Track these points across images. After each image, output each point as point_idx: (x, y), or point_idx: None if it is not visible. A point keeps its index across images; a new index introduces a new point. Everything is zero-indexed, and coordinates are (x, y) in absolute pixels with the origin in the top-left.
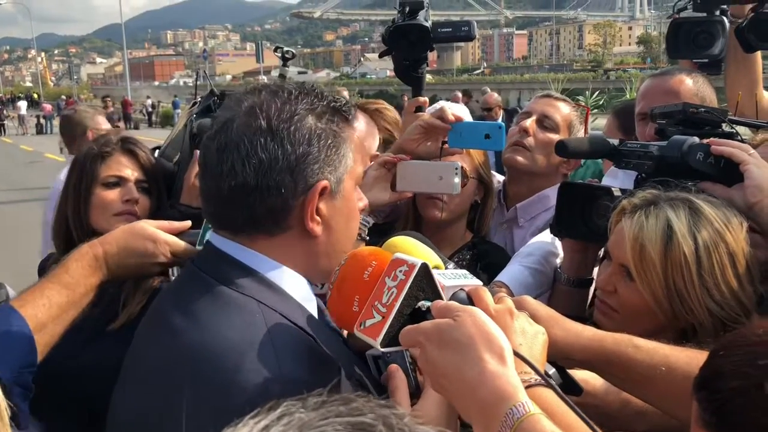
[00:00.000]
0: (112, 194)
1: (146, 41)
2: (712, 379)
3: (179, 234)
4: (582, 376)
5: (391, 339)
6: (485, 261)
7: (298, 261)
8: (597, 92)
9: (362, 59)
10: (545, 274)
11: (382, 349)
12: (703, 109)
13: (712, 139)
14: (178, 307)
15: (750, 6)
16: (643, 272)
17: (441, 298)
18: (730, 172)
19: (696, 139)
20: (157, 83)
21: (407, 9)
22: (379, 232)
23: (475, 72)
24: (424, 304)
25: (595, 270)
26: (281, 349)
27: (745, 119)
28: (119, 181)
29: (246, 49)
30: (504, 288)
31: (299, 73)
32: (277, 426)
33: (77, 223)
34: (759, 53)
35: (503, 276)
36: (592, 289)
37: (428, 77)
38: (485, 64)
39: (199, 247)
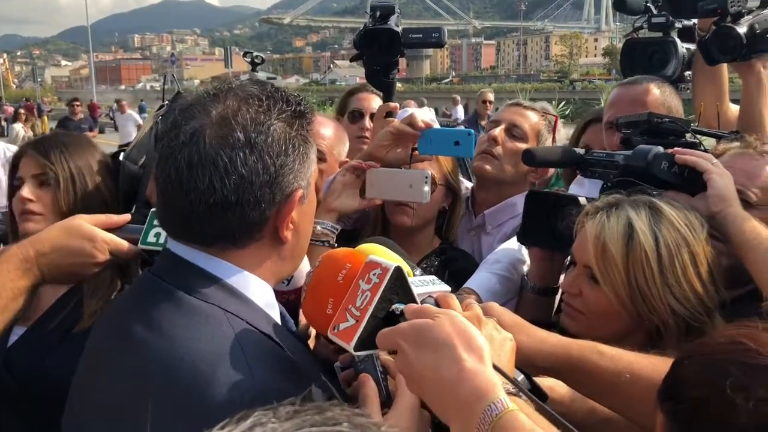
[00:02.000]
0: (18, 196)
1: (113, 44)
2: (675, 388)
3: (119, 229)
4: (548, 383)
5: (365, 343)
6: (453, 267)
7: (266, 268)
8: (563, 102)
9: (332, 66)
10: (513, 281)
11: (355, 353)
12: (667, 119)
13: (676, 148)
14: (140, 319)
15: (713, 20)
16: (606, 271)
17: (415, 302)
18: (693, 181)
19: (660, 149)
20: (123, 87)
21: (378, 14)
22: (346, 238)
23: (443, 81)
24: (397, 307)
25: (562, 278)
26: (253, 359)
27: (708, 129)
28: (21, 182)
29: (215, 54)
30: (472, 295)
31: (268, 78)
32: None
33: (10, 228)
34: (725, 66)
35: (471, 283)
36: (558, 296)
37: (398, 85)
38: (454, 73)
39: (141, 246)
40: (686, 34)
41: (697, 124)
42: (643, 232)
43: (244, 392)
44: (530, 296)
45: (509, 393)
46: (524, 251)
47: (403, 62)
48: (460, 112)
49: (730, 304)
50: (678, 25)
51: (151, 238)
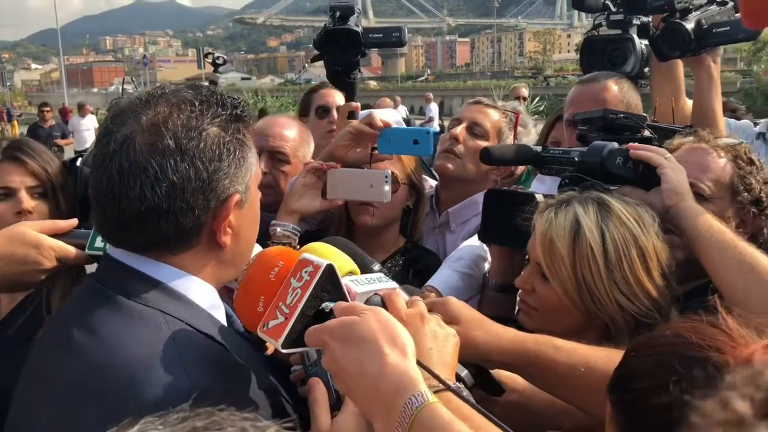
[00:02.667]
0: (2, 207)
1: (84, 47)
2: (623, 380)
3: (66, 234)
4: (510, 374)
5: (294, 340)
6: (418, 266)
7: (206, 272)
8: (537, 98)
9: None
10: (475, 278)
11: (284, 351)
12: (622, 115)
13: (630, 143)
14: (79, 324)
15: (662, 16)
16: (553, 267)
17: (346, 300)
18: (648, 177)
19: (615, 145)
20: (96, 90)
21: (338, 14)
22: (311, 239)
23: (419, 79)
24: (327, 305)
25: None
26: (190, 361)
27: (663, 124)
28: (9, 193)
29: (188, 56)
30: (434, 292)
31: (242, 79)
32: None
33: None
34: (680, 62)
35: (434, 281)
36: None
37: (373, 84)
38: (429, 71)
39: (89, 252)
40: (644, 31)
41: (654, 119)
42: (589, 228)
43: (179, 393)
44: (492, 293)
45: (449, 389)
46: (486, 248)
47: (378, 60)
48: (434, 110)
49: (686, 296)
50: (636, 22)
51: (98, 243)
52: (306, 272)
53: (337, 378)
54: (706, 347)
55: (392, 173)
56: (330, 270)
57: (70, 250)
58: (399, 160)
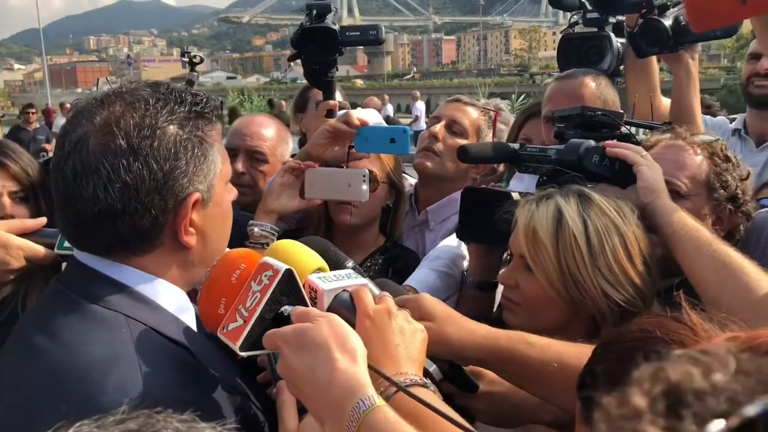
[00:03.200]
0: None
1: (68, 47)
2: (591, 377)
3: (34, 234)
4: None
5: (252, 344)
6: (397, 265)
7: (173, 273)
8: (523, 95)
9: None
10: (453, 277)
11: (242, 354)
12: (600, 112)
13: (607, 141)
14: (40, 327)
15: (638, 15)
16: (537, 257)
17: (305, 304)
18: (624, 174)
19: (592, 143)
20: (80, 90)
21: (315, 12)
22: (291, 238)
23: (405, 77)
24: (286, 309)
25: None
26: (148, 365)
27: (641, 121)
28: None
29: (173, 55)
30: (412, 291)
31: (228, 78)
32: None
33: None
34: (655, 60)
35: (411, 280)
36: (499, 291)
37: (359, 82)
38: (415, 69)
39: (57, 251)
40: (620, 29)
41: (631, 116)
42: (571, 217)
43: (135, 398)
44: (471, 292)
45: (414, 385)
46: (464, 247)
47: (364, 59)
48: (420, 109)
49: (666, 292)
50: (612, 20)
51: (67, 243)
52: (266, 276)
53: (289, 384)
54: (670, 342)
55: (370, 172)
56: (289, 274)
57: (39, 249)
58: (378, 159)
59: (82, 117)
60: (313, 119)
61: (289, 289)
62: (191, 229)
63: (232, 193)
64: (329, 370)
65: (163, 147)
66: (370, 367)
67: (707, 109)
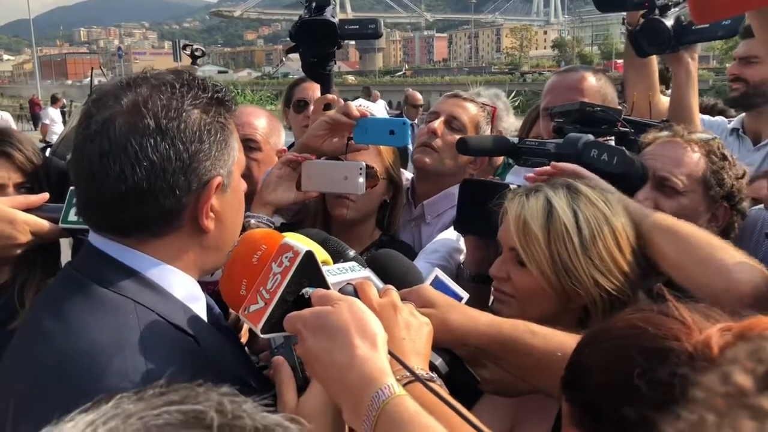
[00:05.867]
0: None
1: (58, 38)
2: (578, 375)
3: (39, 209)
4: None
5: (273, 325)
6: None
7: (188, 258)
8: (513, 93)
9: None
10: (450, 270)
11: (263, 336)
12: (599, 108)
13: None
14: (50, 311)
15: (641, 13)
16: (529, 249)
17: (326, 286)
18: (623, 167)
19: (590, 137)
20: (70, 82)
21: (314, 5)
22: (288, 231)
23: (397, 74)
24: (307, 291)
25: None
26: (152, 352)
27: (638, 119)
28: None
29: (164, 48)
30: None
31: (219, 72)
32: (102, 418)
33: None
34: (654, 59)
35: None
36: None
37: (350, 78)
38: (407, 66)
39: (62, 225)
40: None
41: (630, 113)
42: (562, 208)
43: (137, 384)
44: (467, 285)
45: (421, 379)
46: (461, 241)
47: (356, 55)
48: None
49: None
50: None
51: (72, 217)
52: (286, 257)
53: (308, 365)
54: (663, 336)
55: (370, 168)
56: (309, 256)
57: (44, 223)
58: (379, 154)
59: (108, 99)
60: (293, 117)
61: (310, 270)
62: (212, 214)
63: (244, 185)
64: (348, 356)
65: (189, 129)
66: (389, 353)
67: (720, 113)
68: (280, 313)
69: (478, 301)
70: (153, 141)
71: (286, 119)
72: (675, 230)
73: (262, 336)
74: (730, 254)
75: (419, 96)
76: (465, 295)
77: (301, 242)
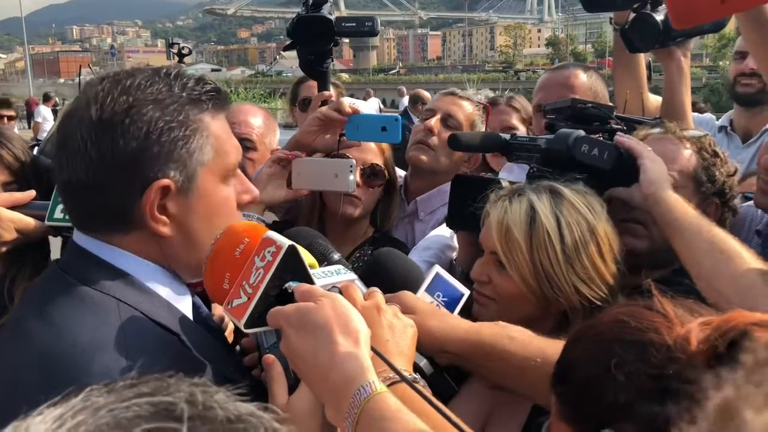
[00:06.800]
0: None
1: (50, 36)
2: (565, 370)
3: (25, 206)
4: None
5: (256, 320)
6: None
7: (162, 259)
8: (507, 91)
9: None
10: (442, 267)
11: (246, 330)
12: (590, 105)
13: (618, 134)
14: (33, 309)
15: (636, 5)
16: (510, 255)
17: (310, 280)
18: (615, 163)
19: (581, 132)
20: (62, 80)
21: (311, 2)
22: (278, 229)
23: (390, 72)
24: (290, 285)
25: None
26: (134, 350)
27: (630, 116)
28: None
29: (157, 46)
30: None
31: (212, 70)
32: (71, 412)
33: None
34: (642, 57)
35: None
36: None
37: (345, 76)
38: (401, 64)
39: (48, 223)
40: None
41: (621, 111)
42: (545, 215)
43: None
44: (460, 281)
45: (402, 377)
46: (454, 238)
47: (349, 53)
48: (406, 103)
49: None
50: None
51: (58, 214)
52: (269, 252)
53: (291, 362)
54: (645, 330)
55: (374, 164)
56: (292, 250)
57: (29, 221)
58: (381, 153)
59: (80, 95)
60: (299, 116)
61: (293, 265)
62: (163, 218)
63: (249, 194)
64: (330, 353)
65: (135, 125)
66: (373, 350)
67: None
68: (263, 307)
69: (471, 297)
70: (94, 135)
71: (293, 117)
72: (705, 234)
73: (245, 331)
74: (754, 272)
75: (427, 94)
76: (466, 292)
77: None
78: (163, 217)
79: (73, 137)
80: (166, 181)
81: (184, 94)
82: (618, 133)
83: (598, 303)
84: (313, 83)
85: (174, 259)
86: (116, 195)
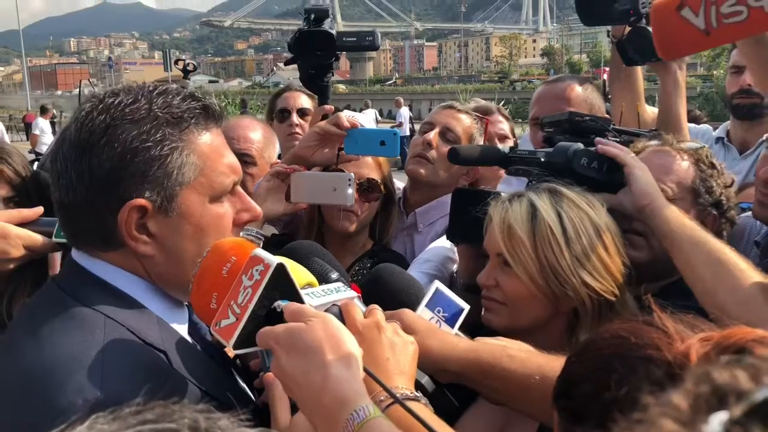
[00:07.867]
0: None
1: (47, 49)
2: (566, 386)
3: (32, 223)
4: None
5: (245, 341)
6: None
7: (148, 277)
8: (503, 102)
9: (275, 68)
10: (443, 279)
11: (235, 351)
12: (588, 118)
13: (598, 139)
14: (25, 322)
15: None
16: (515, 252)
17: (299, 299)
18: (612, 175)
19: (580, 145)
20: (60, 92)
21: (312, 17)
22: (278, 243)
23: (387, 82)
24: (279, 304)
25: None
26: (111, 368)
27: (628, 128)
28: None
29: (154, 58)
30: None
31: (210, 82)
32: None
33: None
34: (639, 69)
35: None
36: None
37: (342, 87)
38: (397, 75)
39: (56, 240)
40: None
41: (617, 123)
42: (545, 210)
43: (89, 400)
44: (460, 294)
45: (406, 399)
46: (454, 250)
47: (346, 64)
48: (404, 115)
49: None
50: None
51: None
52: (257, 270)
53: (282, 384)
54: (645, 346)
55: (369, 179)
56: (280, 269)
57: (37, 238)
58: (378, 167)
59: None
60: (276, 127)
61: (282, 283)
62: (143, 237)
63: (249, 212)
64: (322, 376)
65: (111, 146)
66: (365, 370)
67: (694, 121)
68: (252, 327)
69: (471, 311)
70: (74, 155)
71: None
72: (703, 246)
73: (234, 351)
74: (754, 283)
75: None
76: (466, 307)
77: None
78: (143, 237)
79: (58, 156)
80: (140, 201)
81: (162, 113)
82: (597, 138)
83: (607, 296)
84: (290, 94)
85: (160, 278)
86: (96, 214)
